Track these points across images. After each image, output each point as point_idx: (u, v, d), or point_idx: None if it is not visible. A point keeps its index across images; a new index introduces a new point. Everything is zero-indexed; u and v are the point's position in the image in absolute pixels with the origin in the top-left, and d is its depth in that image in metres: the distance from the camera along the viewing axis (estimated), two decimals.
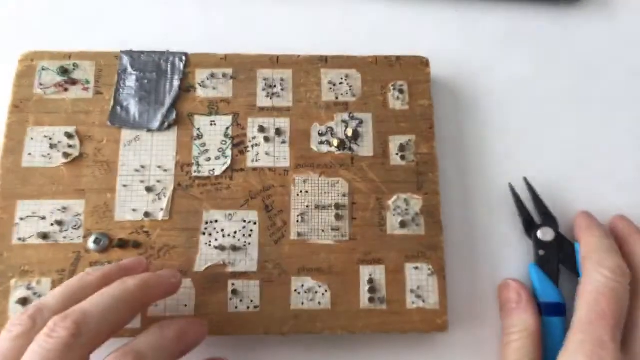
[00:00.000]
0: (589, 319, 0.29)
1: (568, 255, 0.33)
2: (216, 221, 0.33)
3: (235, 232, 0.33)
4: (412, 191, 0.34)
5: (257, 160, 0.34)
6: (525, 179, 0.36)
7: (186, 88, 0.36)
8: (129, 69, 0.36)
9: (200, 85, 0.36)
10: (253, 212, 0.33)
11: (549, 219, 0.34)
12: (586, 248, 0.32)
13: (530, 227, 0.34)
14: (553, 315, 0.32)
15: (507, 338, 0.32)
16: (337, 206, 0.34)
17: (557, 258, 0.33)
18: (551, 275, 0.33)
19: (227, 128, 0.35)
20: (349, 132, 0.35)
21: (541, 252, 0.33)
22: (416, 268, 0.33)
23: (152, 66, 0.36)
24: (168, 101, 0.35)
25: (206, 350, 0.33)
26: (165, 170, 0.34)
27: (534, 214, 0.35)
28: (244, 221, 0.33)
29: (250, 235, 0.33)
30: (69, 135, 0.34)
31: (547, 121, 0.39)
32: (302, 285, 0.32)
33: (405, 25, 0.41)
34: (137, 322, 0.31)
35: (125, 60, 0.36)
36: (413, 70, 0.37)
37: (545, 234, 0.33)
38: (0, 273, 0.31)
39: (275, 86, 0.36)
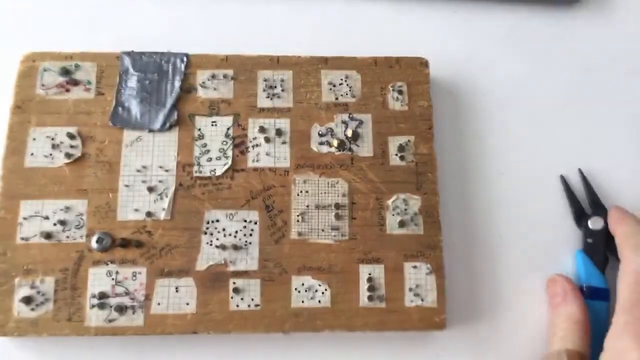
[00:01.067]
0: (632, 301, 0.30)
1: (615, 245, 0.35)
2: (217, 221, 0.33)
3: (236, 232, 0.33)
4: (411, 191, 0.35)
5: (257, 161, 0.35)
6: (580, 171, 0.37)
7: (187, 89, 0.36)
8: (131, 70, 0.36)
9: (201, 86, 0.36)
10: (254, 212, 0.34)
11: (599, 209, 0.36)
12: (621, 237, 0.33)
13: (580, 216, 0.36)
14: (596, 299, 0.33)
15: (553, 329, 0.32)
16: (337, 206, 0.34)
17: (605, 246, 0.35)
18: (598, 262, 0.34)
19: (228, 128, 0.35)
20: (349, 133, 0.35)
21: (589, 240, 0.35)
22: (415, 267, 0.33)
23: (153, 67, 0.36)
24: (169, 102, 0.35)
25: (207, 349, 0.33)
26: (167, 171, 0.34)
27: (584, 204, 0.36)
28: (245, 221, 0.34)
29: (251, 235, 0.33)
30: (71, 136, 0.34)
31: (546, 121, 0.39)
32: (303, 284, 0.33)
33: (405, 26, 0.41)
34: (141, 321, 0.31)
35: (127, 61, 0.36)
36: (412, 71, 0.37)
37: (595, 223, 0.35)
38: (4, 272, 0.32)
39: (275, 87, 0.36)
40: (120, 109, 0.35)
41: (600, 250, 0.35)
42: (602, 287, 0.34)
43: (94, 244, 0.32)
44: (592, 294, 0.33)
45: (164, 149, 0.35)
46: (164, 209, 0.33)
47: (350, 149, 0.35)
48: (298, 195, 0.34)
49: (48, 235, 0.32)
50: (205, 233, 0.33)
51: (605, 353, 0.29)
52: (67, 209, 0.33)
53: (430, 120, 0.36)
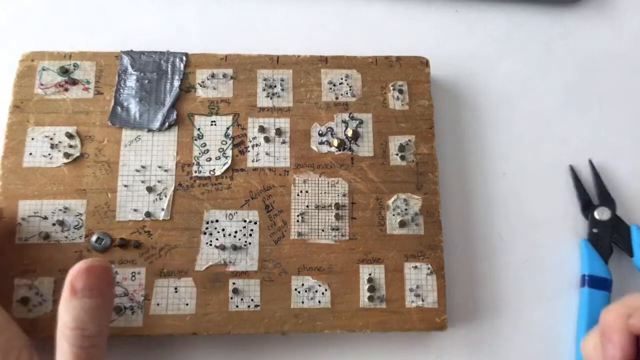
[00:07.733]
0: None
1: (622, 236, 0.35)
2: (217, 221, 0.33)
3: (236, 232, 0.33)
4: (411, 191, 0.34)
5: (257, 160, 0.35)
6: (590, 162, 0.37)
7: (186, 88, 0.36)
8: (130, 69, 0.36)
9: (201, 86, 0.36)
10: (253, 212, 0.34)
11: (606, 200, 0.36)
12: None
13: (587, 206, 0.36)
14: (598, 289, 0.34)
15: None
16: (337, 206, 0.34)
17: (610, 237, 0.35)
18: (602, 252, 0.35)
19: (228, 128, 0.35)
20: (349, 132, 0.35)
21: (595, 230, 0.35)
22: (415, 267, 0.33)
23: (152, 66, 0.36)
24: (168, 101, 0.35)
25: (206, 350, 0.33)
26: (166, 170, 0.34)
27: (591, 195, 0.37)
28: (245, 221, 0.33)
29: (250, 235, 0.33)
30: (70, 135, 0.34)
31: (547, 119, 0.39)
32: (302, 285, 0.33)
33: (405, 25, 0.41)
34: (140, 321, 0.31)
35: (126, 60, 0.36)
36: (413, 70, 0.37)
37: (602, 213, 0.35)
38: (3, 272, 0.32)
39: (275, 86, 0.36)
40: (119, 108, 0.35)
41: (606, 240, 0.35)
42: (605, 277, 0.34)
43: (93, 244, 0.32)
44: (595, 284, 0.34)
45: (163, 149, 0.34)
46: (163, 209, 0.33)
47: (350, 149, 0.35)
48: (298, 195, 0.34)
49: (47, 236, 0.32)
50: (205, 233, 0.33)
51: None
52: (66, 209, 0.33)
53: (431, 120, 0.36)
